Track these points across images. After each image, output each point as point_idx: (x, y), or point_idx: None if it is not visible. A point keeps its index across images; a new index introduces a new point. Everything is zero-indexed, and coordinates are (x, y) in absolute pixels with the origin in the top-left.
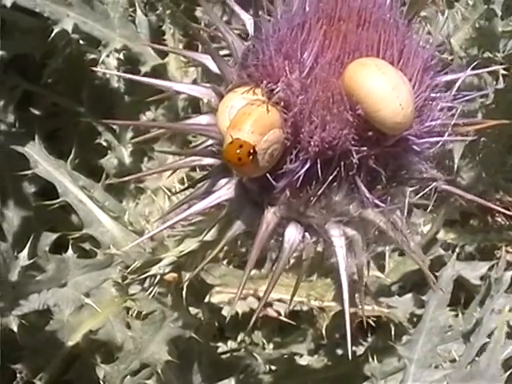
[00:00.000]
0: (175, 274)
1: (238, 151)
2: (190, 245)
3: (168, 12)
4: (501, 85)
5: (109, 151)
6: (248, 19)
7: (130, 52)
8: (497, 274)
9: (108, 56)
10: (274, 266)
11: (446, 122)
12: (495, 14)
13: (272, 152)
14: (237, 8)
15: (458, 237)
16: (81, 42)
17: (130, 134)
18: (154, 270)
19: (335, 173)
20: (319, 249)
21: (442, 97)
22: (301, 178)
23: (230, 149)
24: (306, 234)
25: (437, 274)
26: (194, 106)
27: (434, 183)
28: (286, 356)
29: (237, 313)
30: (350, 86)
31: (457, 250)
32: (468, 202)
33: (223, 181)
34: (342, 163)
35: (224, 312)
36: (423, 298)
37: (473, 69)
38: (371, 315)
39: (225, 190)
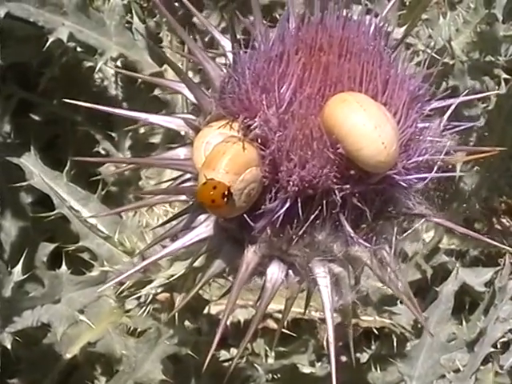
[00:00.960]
0: (167, 294)
1: (211, 193)
2: (180, 268)
3: (165, 19)
4: (503, 90)
5: None
6: (228, 45)
7: (127, 60)
8: (501, 282)
9: (106, 64)
10: (257, 307)
11: (434, 157)
12: (496, 18)
13: (249, 192)
14: (216, 34)
15: (461, 243)
16: (78, 49)
17: (128, 142)
18: (145, 290)
19: (317, 211)
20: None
21: (431, 128)
22: (281, 217)
23: (203, 190)
24: (290, 271)
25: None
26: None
27: (423, 219)
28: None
29: (238, 321)
30: (329, 124)
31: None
32: (471, 207)
33: (202, 217)
34: (325, 201)
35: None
36: (424, 314)
37: (472, 79)
38: (373, 326)
39: (203, 228)
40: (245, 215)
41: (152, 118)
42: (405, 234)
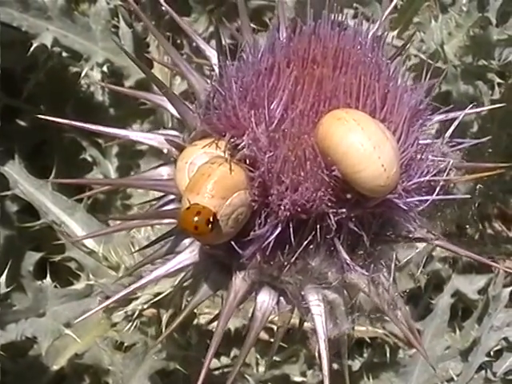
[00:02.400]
0: (154, 310)
1: (195, 219)
2: (167, 285)
3: (152, 23)
4: (496, 95)
5: (94, 166)
6: (214, 55)
7: (114, 65)
8: (495, 290)
9: (92, 69)
10: (247, 337)
11: (436, 178)
12: (490, 21)
13: (237, 217)
14: (201, 43)
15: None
16: (63, 54)
17: (115, 149)
18: (131, 306)
19: (311, 236)
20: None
21: (433, 146)
22: (271, 243)
23: (185, 216)
24: (281, 299)
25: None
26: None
27: (425, 244)
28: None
29: (229, 329)
30: (324, 144)
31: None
32: (465, 213)
33: (187, 241)
34: (319, 226)
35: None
36: (419, 326)
37: (465, 83)
38: (366, 336)
39: (187, 254)
40: (232, 242)
41: (132, 134)
42: (404, 260)
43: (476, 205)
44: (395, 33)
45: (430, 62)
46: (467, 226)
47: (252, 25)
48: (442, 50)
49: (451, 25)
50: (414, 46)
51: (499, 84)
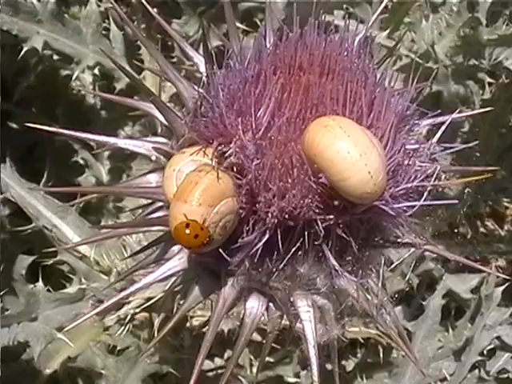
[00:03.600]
0: (147, 314)
1: (187, 231)
2: (158, 289)
3: (143, 26)
4: (487, 94)
5: (86, 169)
6: (202, 62)
7: (105, 68)
8: (487, 290)
9: (83, 72)
10: (236, 343)
11: (424, 184)
12: (480, 21)
13: (225, 224)
14: (189, 50)
15: (446, 249)
16: (54, 58)
17: (107, 152)
18: (123, 310)
19: (299, 243)
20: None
21: (421, 151)
22: (260, 249)
23: (179, 235)
24: (271, 304)
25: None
26: None
27: (413, 249)
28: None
29: (222, 330)
30: (311, 152)
31: None
32: (457, 213)
33: (176, 248)
34: (306, 232)
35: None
36: (410, 326)
37: (456, 83)
38: (359, 337)
39: (176, 261)
40: (220, 249)
41: (121, 142)
42: (393, 266)
43: (468, 204)
44: (386, 33)
45: (421, 62)
46: (459, 226)
47: (243, 26)
48: (433, 50)
49: (442, 25)
50: (404, 46)
51: (490, 84)
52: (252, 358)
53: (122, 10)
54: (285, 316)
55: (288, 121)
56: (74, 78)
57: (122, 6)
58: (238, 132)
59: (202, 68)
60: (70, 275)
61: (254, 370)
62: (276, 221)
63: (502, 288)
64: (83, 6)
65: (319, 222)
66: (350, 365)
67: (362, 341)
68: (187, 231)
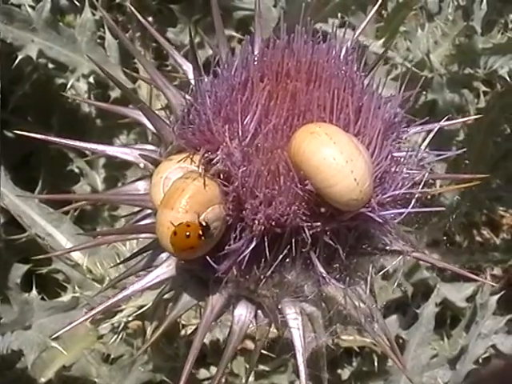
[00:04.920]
0: (139, 322)
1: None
2: (150, 297)
3: (138, 34)
4: (482, 103)
5: (81, 178)
6: (190, 69)
7: (99, 76)
8: (482, 298)
9: (78, 80)
10: (224, 351)
11: (411, 191)
12: (475, 30)
13: (211, 231)
14: (177, 57)
15: (441, 258)
16: (49, 66)
17: (102, 161)
18: (116, 319)
19: (286, 250)
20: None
21: (408, 159)
22: (247, 256)
23: (175, 242)
24: (259, 312)
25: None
26: None
27: (401, 256)
28: None
29: (217, 339)
30: (297, 159)
31: None
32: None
33: (164, 255)
34: (294, 240)
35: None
36: (404, 334)
37: (451, 92)
38: (354, 345)
39: (164, 268)
40: (207, 256)
41: (110, 150)
42: (381, 273)
43: (463, 213)
44: (381, 41)
45: (416, 70)
46: (455, 235)
47: (238, 35)
48: (428, 59)
49: (437, 34)
50: (400, 55)
51: (485, 92)
52: (247, 366)
53: (117, 18)
54: (273, 324)
55: (275, 128)
56: (68, 86)
57: (117, 15)
58: (225, 139)
59: (191, 75)
60: (65, 284)
61: (251, 378)
62: (263, 228)
63: (496, 297)
64: (78, 15)
65: (306, 229)
66: (345, 373)
67: (357, 349)
68: (180, 236)
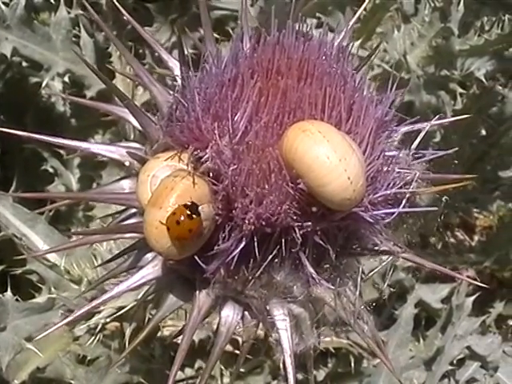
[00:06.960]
0: (117, 324)
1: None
2: (129, 298)
3: (114, 33)
4: (459, 105)
5: (56, 177)
6: (177, 66)
7: (75, 75)
8: (458, 300)
9: (53, 79)
10: (211, 352)
11: (402, 190)
12: (452, 32)
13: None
14: (163, 54)
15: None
16: (23, 64)
17: (77, 160)
18: (94, 320)
19: (276, 250)
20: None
21: (399, 158)
22: (236, 257)
23: (174, 231)
24: (246, 313)
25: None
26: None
27: (391, 257)
28: None
29: (193, 340)
30: (289, 157)
31: None
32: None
33: (149, 255)
34: (284, 240)
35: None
36: (382, 336)
37: (428, 93)
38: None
39: (150, 268)
40: (195, 256)
41: (94, 147)
42: (371, 274)
43: (439, 214)
44: (358, 43)
45: (393, 72)
46: (431, 236)
47: (215, 35)
48: (405, 60)
49: (414, 35)
50: (377, 56)
51: (461, 94)
52: (223, 368)
53: (92, 16)
54: (260, 325)
55: (265, 125)
56: (43, 85)
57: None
58: (215, 137)
59: (177, 72)
60: (40, 284)
61: (225, 380)
62: (253, 227)
63: (472, 298)
64: (53, 12)
65: (297, 229)
66: (320, 375)
67: (333, 350)
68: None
